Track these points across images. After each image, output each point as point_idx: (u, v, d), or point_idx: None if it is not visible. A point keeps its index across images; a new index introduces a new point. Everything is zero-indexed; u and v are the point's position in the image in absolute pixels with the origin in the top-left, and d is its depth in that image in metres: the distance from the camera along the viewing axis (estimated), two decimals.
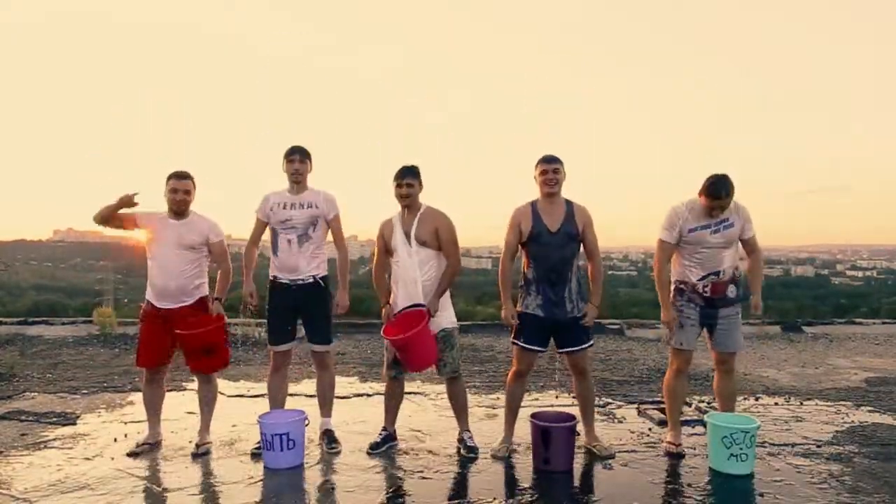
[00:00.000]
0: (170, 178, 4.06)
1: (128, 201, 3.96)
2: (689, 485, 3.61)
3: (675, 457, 3.99)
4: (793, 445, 4.24)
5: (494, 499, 3.40)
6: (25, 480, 3.62)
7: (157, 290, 4.06)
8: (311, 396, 4.83)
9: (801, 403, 5.35)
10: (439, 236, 3.99)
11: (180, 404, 5.10)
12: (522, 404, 4.19)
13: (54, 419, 4.80)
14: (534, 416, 3.89)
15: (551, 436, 3.74)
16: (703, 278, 3.96)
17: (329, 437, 4.18)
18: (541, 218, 3.92)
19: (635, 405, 5.17)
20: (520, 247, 4.02)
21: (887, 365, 7.07)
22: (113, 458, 3.96)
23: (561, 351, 4.02)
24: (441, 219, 4.03)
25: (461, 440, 4.11)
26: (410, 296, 3.98)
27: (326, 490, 3.53)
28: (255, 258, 4.35)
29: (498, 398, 5.30)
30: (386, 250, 4.14)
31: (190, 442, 4.20)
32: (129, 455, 4.00)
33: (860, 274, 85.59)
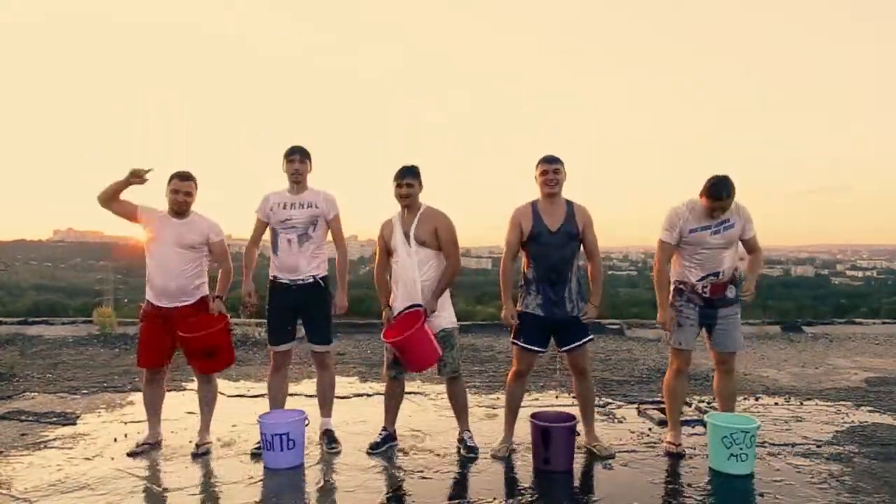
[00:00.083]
0: (172, 178, 4.05)
1: (139, 177, 3.89)
2: (689, 485, 3.61)
3: (675, 457, 3.99)
4: (793, 445, 4.24)
5: (494, 499, 3.40)
6: (25, 480, 3.62)
7: (157, 289, 4.05)
8: (311, 396, 4.83)
9: (801, 403, 5.35)
10: (439, 236, 3.99)
11: (180, 404, 5.10)
12: (522, 404, 4.19)
13: (54, 419, 4.80)
14: (534, 416, 3.89)
15: (551, 436, 3.74)
16: (702, 279, 3.96)
17: (329, 437, 4.18)
18: (541, 218, 3.92)
19: (635, 405, 5.17)
20: (520, 247, 4.02)
21: (887, 365, 7.07)
22: (113, 458, 3.97)
23: (562, 349, 4.02)
24: (441, 219, 4.03)
25: (461, 440, 4.11)
26: (410, 296, 3.98)
27: (326, 490, 3.53)
28: (255, 258, 4.35)
29: (498, 398, 5.30)
30: (386, 250, 4.14)
31: (190, 442, 4.20)
32: (129, 455, 4.00)
33: (860, 274, 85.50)
